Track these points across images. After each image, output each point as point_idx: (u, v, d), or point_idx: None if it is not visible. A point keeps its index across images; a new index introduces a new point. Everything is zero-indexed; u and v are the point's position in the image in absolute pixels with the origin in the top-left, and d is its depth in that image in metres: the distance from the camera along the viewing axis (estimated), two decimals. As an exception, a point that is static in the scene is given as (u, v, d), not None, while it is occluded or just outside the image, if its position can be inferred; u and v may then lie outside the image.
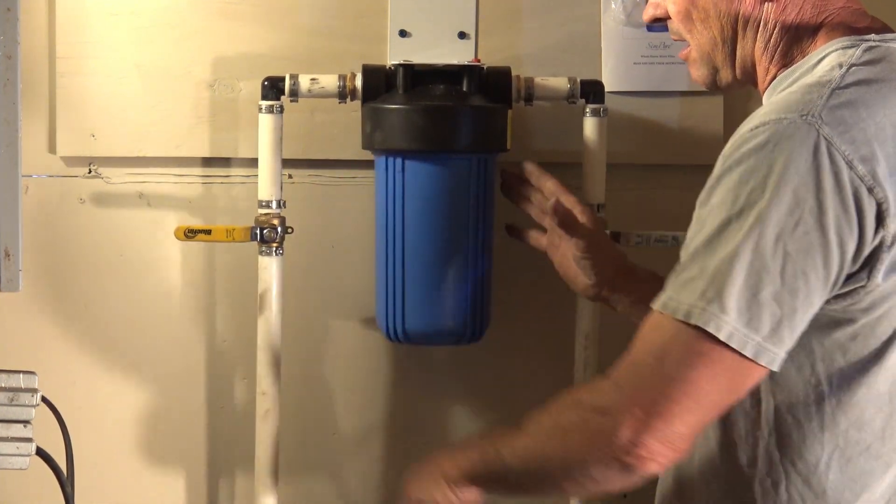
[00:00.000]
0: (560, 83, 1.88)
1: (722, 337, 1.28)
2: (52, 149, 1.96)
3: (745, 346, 1.29)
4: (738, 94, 1.99)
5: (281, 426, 1.89)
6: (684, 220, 1.78)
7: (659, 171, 2.01)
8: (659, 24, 1.56)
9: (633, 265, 1.80)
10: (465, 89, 1.79)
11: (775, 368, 1.31)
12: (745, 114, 1.98)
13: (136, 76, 1.94)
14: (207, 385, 2.02)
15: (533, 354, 2.03)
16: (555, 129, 1.97)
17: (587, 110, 1.88)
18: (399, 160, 1.79)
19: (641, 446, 1.29)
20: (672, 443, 1.30)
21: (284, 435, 1.91)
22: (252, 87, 1.91)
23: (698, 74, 1.54)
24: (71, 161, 1.97)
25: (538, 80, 1.87)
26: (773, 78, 1.48)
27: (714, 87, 1.54)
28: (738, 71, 1.50)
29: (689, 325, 1.29)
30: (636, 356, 1.34)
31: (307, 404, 2.02)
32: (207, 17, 1.94)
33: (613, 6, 1.95)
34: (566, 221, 1.75)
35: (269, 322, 1.87)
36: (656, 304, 1.34)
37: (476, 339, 1.85)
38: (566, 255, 1.78)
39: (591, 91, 1.88)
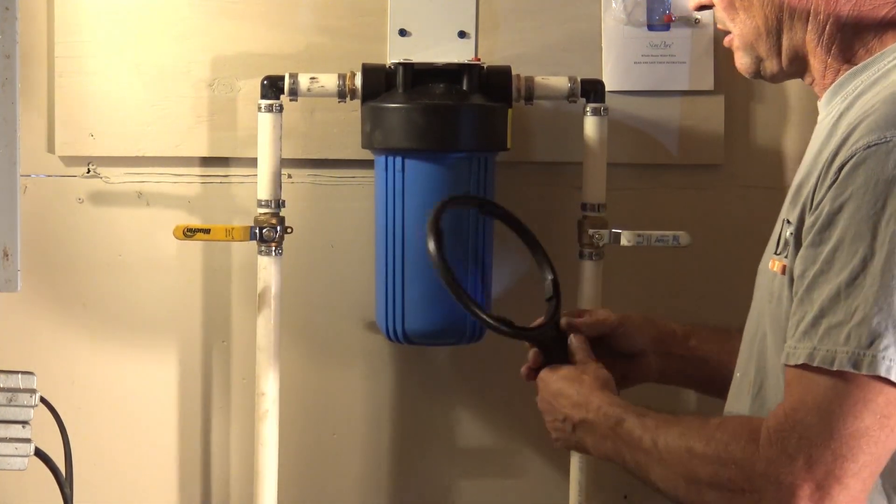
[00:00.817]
0: (560, 82, 1.87)
1: None
2: (50, 148, 1.95)
3: None
4: (741, 94, 1.99)
5: (281, 426, 1.89)
6: (684, 220, 1.78)
7: (659, 171, 2.01)
8: (705, 10, 1.53)
9: (658, 321, 1.71)
10: (465, 88, 1.79)
11: None
12: (746, 114, 2.01)
13: (134, 76, 1.94)
14: (206, 385, 2.01)
15: (533, 354, 2.02)
16: (555, 128, 1.96)
17: (587, 109, 1.88)
18: (399, 159, 1.78)
19: None
20: None
21: (284, 435, 1.91)
22: (251, 87, 1.91)
23: (741, 63, 1.48)
24: (69, 161, 1.96)
25: (538, 79, 1.86)
26: (837, 73, 1.41)
27: (758, 77, 1.49)
28: (784, 62, 1.44)
29: (851, 373, 1.21)
30: (796, 415, 1.24)
31: (307, 404, 2.02)
32: (207, 16, 1.94)
33: (614, 5, 1.95)
34: (570, 323, 1.67)
35: (269, 322, 1.86)
36: (797, 358, 1.25)
37: (476, 339, 1.85)
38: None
39: (592, 90, 1.88)
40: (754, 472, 1.26)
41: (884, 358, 1.20)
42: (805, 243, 1.28)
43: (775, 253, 1.38)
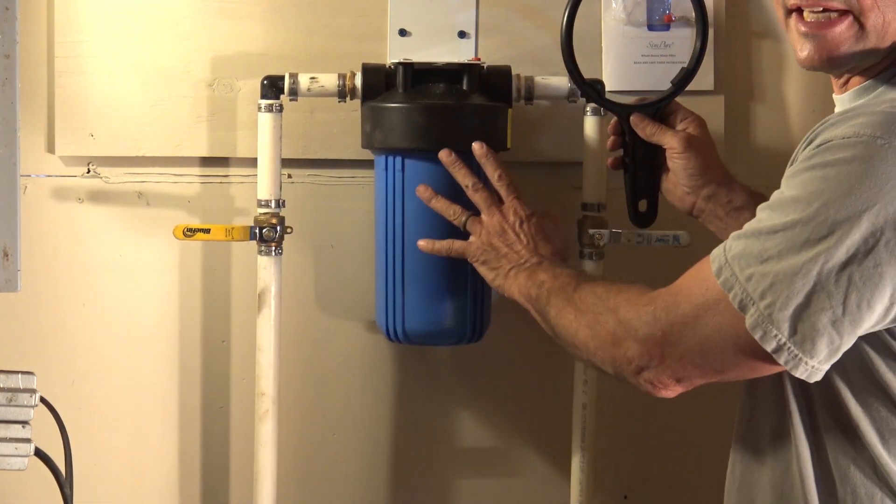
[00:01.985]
0: (560, 82, 1.87)
1: (768, 349, 1.29)
2: (50, 148, 1.95)
3: (795, 368, 1.30)
4: (741, 94, 2.00)
5: (281, 426, 1.89)
6: (684, 220, 1.78)
7: (659, 170, 2.01)
8: None
9: (734, 179, 1.74)
10: (465, 88, 1.79)
11: (813, 381, 1.32)
12: (746, 114, 2.01)
13: (134, 76, 1.94)
14: (206, 385, 2.01)
15: (533, 354, 2.02)
16: (555, 128, 1.97)
17: (587, 109, 1.88)
18: (399, 159, 1.78)
19: (654, 377, 1.39)
20: (683, 382, 1.39)
21: (284, 435, 1.91)
22: (251, 87, 1.91)
23: (845, 61, 1.42)
24: (69, 161, 1.96)
25: (538, 78, 1.86)
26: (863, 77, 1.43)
27: (826, 68, 1.45)
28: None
29: (737, 310, 1.31)
30: (679, 297, 1.37)
31: (307, 404, 2.02)
32: (206, 16, 1.94)
33: (614, 5, 1.95)
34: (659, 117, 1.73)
35: (268, 322, 1.86)
36: (712, 262, 1.34)
37: (476, 339, 1.85)
38: (668, 156, 1.73)
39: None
40: (624, 320, 1.41)
41: (764, 323, 1.29)
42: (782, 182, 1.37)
43: None
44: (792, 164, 1.38)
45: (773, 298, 1.28)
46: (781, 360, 1.29)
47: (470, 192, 1.72)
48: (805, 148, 1.35)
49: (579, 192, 1.90)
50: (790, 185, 1.32)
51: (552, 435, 2.02)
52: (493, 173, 1.73)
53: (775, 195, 1.34)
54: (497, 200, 1.72)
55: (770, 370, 1.34)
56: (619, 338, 1.41)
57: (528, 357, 2.03)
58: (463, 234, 1.75)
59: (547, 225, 1.69)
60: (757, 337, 1.29)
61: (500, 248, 1.68)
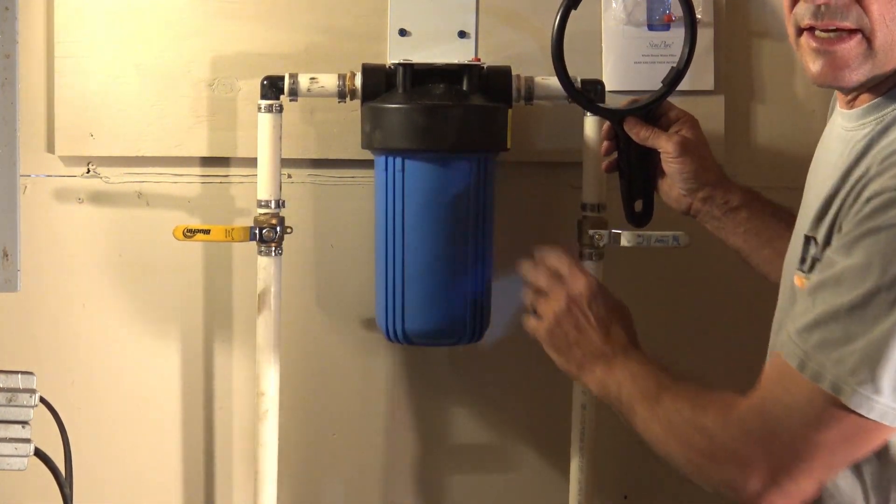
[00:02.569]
0: (560, 82, 1.87)
1: (874, 417, 1.27)
2: (50, 148, 1.95)
3: None
4: (741, 94, 1.99)
5: (281, 426, 1.89)
6: (684, 220, 1.78)
7: (659, 170, 2.01)
8: None
9: (729, 179, 1.73)
10: (465, 88, 1.79)
11: None
12: (746, 114, 2.01)
13: (134, 75, 1.94)
14: (206, 385, 2.01)
15: (533, 354, 2.02)
16: (555, 128, 1.96)
17: (587, 110, 1.88)
18: (399, 159, 1.78)
19: (767, 500, 1.33)
20: (796, 496, 1.33)
21: (284, 435, 1.91)
22: (251, 87, 1.91)
23: (861, 71, 1.42)
24: (69, 161, 1.96)
25: (538, 79, 1.86)
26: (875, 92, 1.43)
27: (839, 86, 1.45)
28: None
29: (831, 395, 1.28)
30: (767, 405, 1.33)
31: (307, 404, 2.02)
32: (206, 16, 1.94)
33: (614, 5, 1.95)
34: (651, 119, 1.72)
35: (268, 322, 1.86)
36: (790, 358, 1.31)
37: (476, 339, 1.85)
38: (663, 160, 1.72)
39: (592, 90, 1.87)
40: (718, 442, 1.35)
41: (863, 394, 1.26)
42: (830, 248, 1.34)
43: (800, 269, 1.41)
44: (839, 220, 1.35)
45: (869, 369, 1.26)
46: (888, 421, 1.27)
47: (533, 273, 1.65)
48: (853, 203, 1.33)
49: (579, 192, 1.90)
50: (852, 254, 1.29)
51: (552, 435, 2.02)
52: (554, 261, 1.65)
53: (833, 267, 1.31)
54: (560, 278, 1.62)
55: (884, 435, 1.31)
56: (718, 460, 1.36)
57: (527, 357, 2.02)
58: (466, 227, 1.75)
59: (611, 299, 1.60)
60: (864, 412, 1.27)
61: (570, 332, 1.58)
